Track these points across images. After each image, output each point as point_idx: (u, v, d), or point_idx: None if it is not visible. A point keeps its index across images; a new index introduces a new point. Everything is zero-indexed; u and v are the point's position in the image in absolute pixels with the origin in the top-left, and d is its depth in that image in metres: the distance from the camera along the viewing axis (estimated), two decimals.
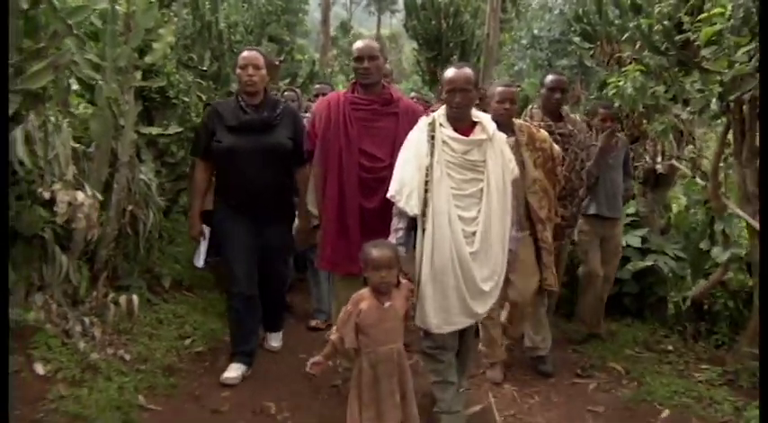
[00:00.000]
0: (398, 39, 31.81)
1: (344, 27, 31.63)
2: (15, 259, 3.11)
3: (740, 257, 4.38)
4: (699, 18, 3.71)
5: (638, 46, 4.71)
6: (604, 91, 5.04)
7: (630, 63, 4.56)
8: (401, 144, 3.05)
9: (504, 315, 3.85)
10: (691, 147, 5.33)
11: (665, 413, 3.51)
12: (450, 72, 2.97)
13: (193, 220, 3.71)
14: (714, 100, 3.98)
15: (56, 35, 2.86)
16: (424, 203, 2.87)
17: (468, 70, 2.96)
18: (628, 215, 5.07)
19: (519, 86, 8.47)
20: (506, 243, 3.03)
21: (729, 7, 3.64)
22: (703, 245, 4.69)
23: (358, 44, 3.38)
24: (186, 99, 4.37)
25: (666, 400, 3.62)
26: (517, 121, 3.65)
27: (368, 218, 3.28)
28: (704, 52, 3.89)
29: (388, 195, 2.98)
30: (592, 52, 5.81)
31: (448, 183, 2.89)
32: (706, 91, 3.98)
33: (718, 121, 4.43)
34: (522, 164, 3.47)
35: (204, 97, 4.93)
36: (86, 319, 3.45)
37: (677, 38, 4.04)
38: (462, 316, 2.94)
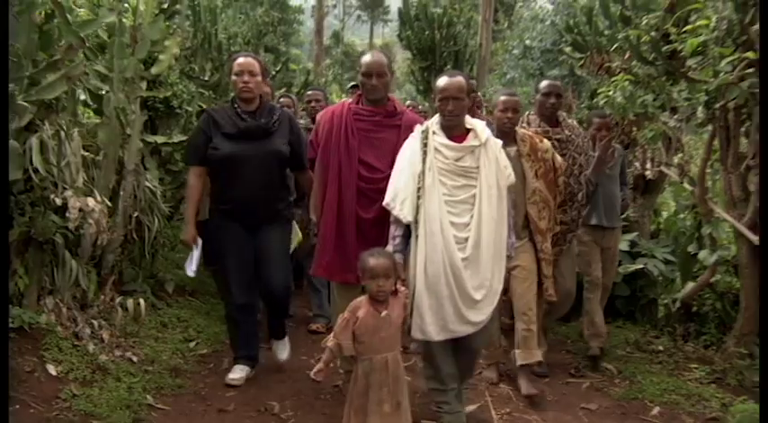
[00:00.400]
0: (391, 48, 32.11)
1: (337, 37, 31.86)
2: (28, 264, 3.22)
3: (727, 260, 4.51)
4: (685, 29, 3.85)
5: (627, 56, 4.82)
6: (595, 100, 5.19)
7: (620, 73, 4.68)
8: None
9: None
10: (680, 154, 5.46)
11: (656, 410, 3.64)
12: (442, 80, 2.99)
13: (188, 225, 3.55)
14: (700, 108, 4.13)
15: (71, 48, 2.98)
16: (417, 210, 2.90)
17: (460, 78, 2.99)
18: None
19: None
20: (503, 249, 3.02)
21: (714, 19, 3.79)
22: (691, 248, 4.80)
23: (366, 59, 3.30)
24: (189, 108, 4.49)
25: (657, 398, 3.75)
26: (520, 131, 3.67)
27: (365, 228, 3.27)
28: (690, 62, 4.04)
29: (384, 203, 3.00)
30: (582, 62, 5.90)
31: (440, 189, 2.91)
32: (692, 99, 4.13)
33: (705, 128, 4.58)
34: (522, 174, 3.51)
35: (205, 107, 5.05)
36: (95, 322, 3.55)
37: (664, 48, 4.17)
38: (458, 324, 2.93)
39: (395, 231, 3.00)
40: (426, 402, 3.31)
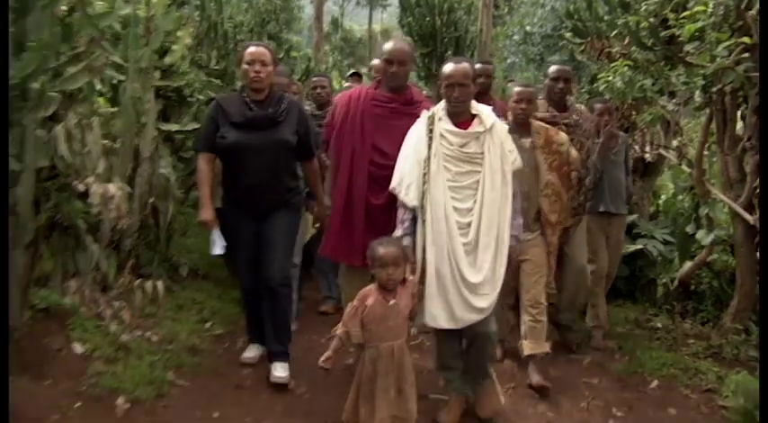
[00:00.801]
0: (391, 33, 32.04)
1: (335, 23, 31.76)
2: (53, 248, 3.37)
3: (724, 240, 4.65)
4: (683, 15, 3.92)
5: (626, 42, 4.90)
6: (595, 85, 5.27)
7: (620, 58, 4.75)
8: None
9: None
10: (678, 137, 5.56)
11: (654, 383, 3.81)
12: (448, 67, 3.00)
13: (204, 206, 3.46)
14: (698, 92, 4.24)
15: (94, 40, 3.10)
16: (423, 196, 2.94)
17: (466, 65, 3.00)
18: None
19: (512, 80, 8.73)
20: (506, 233, 3.01)
21: (711, 5, 3.87)
22: (689, 228, 4.93)
23: (389, 46, 3.31)
24: (200, 97, 4.60)
25: (655, 372, 3.91)
26: (535, 123, 3.67)
27: (374, 213, 3.30)
28: (688, 47, 4.13)
29: (390, 188, 3.06)
30: (582, 48, 5.96)
31: (444, 175, 2.94)
32: (690, 84, 4.23)
33: (702, 111, 4.68)
34: (536, 166, 3.54)
35: (213, 95, 5.16)
36: (116, 304, 3.70)
37: (663, 34, 4.25)
38: (465, 311, 2.94)
39: (403, 215, 3.04)
40: (434, 378, 3.47)
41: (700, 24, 3.82)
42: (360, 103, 3.33)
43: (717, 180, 4.83)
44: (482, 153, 2.96)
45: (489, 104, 3.29)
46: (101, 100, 3.97)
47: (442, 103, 3.09)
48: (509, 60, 10.14)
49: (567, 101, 4.11)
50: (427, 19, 10.79)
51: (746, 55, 3.64)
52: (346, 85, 6.09)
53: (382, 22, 40.21)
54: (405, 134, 3.15)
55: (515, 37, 9.40)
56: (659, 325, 4.69)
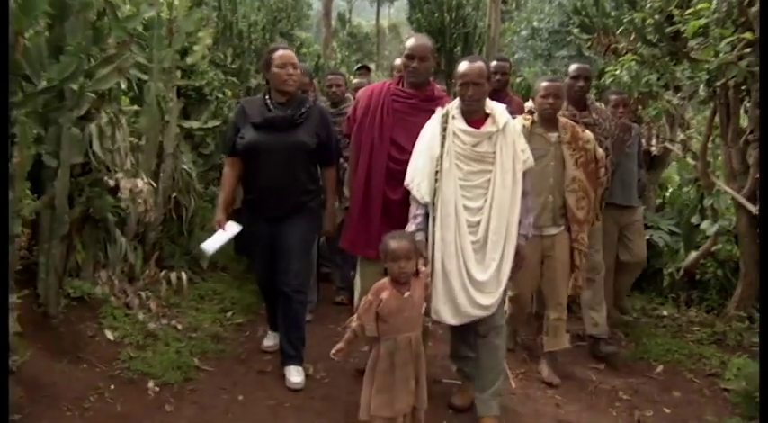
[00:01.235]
0: (398, 29, 32.09)
1: (342, 19, 31.79)
2: (85, 240, 3.55)
3: (728, 230, 4.75)
4: (687, 12, 4.01)
5: (632, 37, 5.00)
6: (602, 79, 5.39)
7: (626, 53, 4.86)
8: None
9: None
10: (685, 130, 5.65)
11: (660, 368, 3.95)
12: (463, 65, 2.99)
13: (217, 209, 3.56)
14: (702, 87, 4.34)
15: (124, 43, 3.26)
16: (435, 193, 2.96)
17: (481, 64, 2.98)
18: None
19: (521, 76, 8.84)
20: (515, 232, 3.01)
21: (714, 2, 3.96)
22: (694, 219, 5.02)
23: (411, 42, 3.30)
24: (220, 95, 4.76)
25: (661, 357, 4.06)
26: (562, 119, 3.65)
27: (392, 208, 3.28)
28: (692, 43, 4.24)
29: (405, 183, 3.07)
30: (590, 43, 6.04)
31: (456, 173, 2.95)
32: (694, 78, 4.31)
33: (706, 105, 4.79)
34: (562, 161, 3.56)
35: (229, 93, 5.32)
36: (142, 294, 3.89)
37: (668, 30, 4.37)
38: (470, 307, 2.97)
39: (415, 210, 3.06)
40: (447, 364, 3.63)
41: (703, 21, 3.89)
42: (381, 97, 3.33)
43: (721, 172, 4.93)
44: (494, 153, 2.97)
45: (506, 101, 3.33)
46: (124, 99, 4.15)
47: (456, 102, 3.10)
48: (517, 56, 10.27)
49: (587, 99, 4.10)
50: (436, 15, 10.88)
51: (749, 50, 3.74)
52: (355, 80, 6.16)
53: (390, 17, 40.20)
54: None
55: (523, 32, 9.51)
56: (665, 313, 4.83)
